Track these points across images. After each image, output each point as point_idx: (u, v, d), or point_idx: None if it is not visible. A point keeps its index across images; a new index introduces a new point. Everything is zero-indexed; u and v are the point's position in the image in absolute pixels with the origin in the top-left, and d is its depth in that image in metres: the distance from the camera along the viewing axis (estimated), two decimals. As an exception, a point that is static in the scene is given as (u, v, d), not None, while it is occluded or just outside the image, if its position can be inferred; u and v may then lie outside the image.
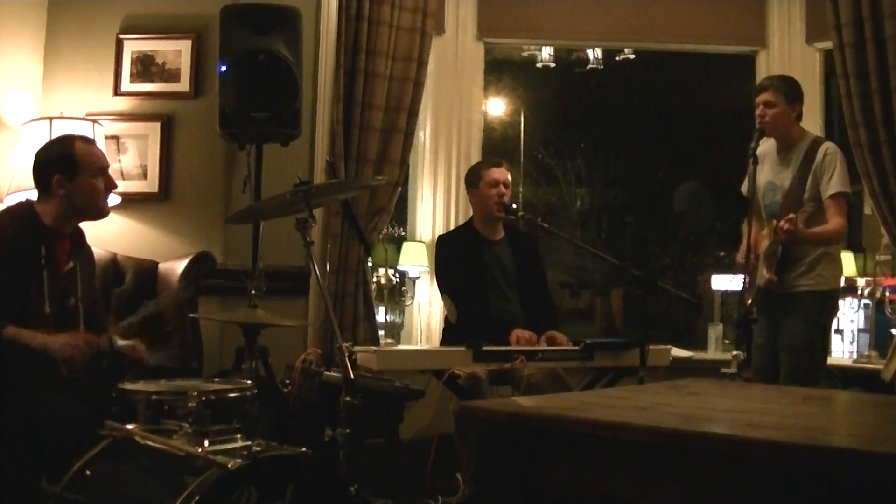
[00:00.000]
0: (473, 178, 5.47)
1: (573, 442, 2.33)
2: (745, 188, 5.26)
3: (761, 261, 5.08)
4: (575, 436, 2.33)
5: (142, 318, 4.11)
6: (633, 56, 8.59)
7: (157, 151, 5.83)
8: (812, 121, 5.35)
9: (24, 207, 3.93)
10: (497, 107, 11.10)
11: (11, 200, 4.93)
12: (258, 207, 4.54)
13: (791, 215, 4.82)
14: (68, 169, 3.88)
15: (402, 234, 7.17)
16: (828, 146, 5.07)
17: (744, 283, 4.96)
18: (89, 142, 4.06)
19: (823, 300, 5.08)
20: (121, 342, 3.91)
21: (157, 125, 5.85)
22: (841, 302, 5.64)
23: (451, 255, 5.45)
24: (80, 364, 3.65)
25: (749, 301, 5.02)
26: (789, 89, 5.11)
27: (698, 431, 2.27)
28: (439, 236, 5.77)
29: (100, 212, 4.03)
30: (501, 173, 5.40)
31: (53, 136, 5.14)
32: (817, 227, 4.93)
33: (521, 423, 2.45)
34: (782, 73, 6.01)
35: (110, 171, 4.10)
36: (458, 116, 6.76)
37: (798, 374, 4.94)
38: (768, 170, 5.21)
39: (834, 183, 4.95)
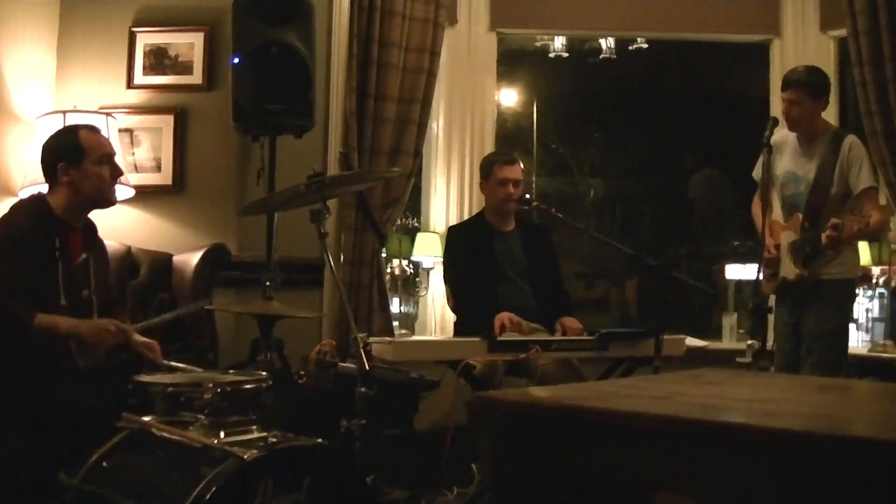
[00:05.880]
0: (486, 171, 5.45)
1: (590, 431, 2.33)
2: (756, 174, 5.25)
3: (786, 253, 5.07)
4: (592, 425, 2.32)
5: (162, 321, 4.14)
6: (646, 45, 8.52)
7: (171, 144, 5.85)
8: (827, 109, 5.33)
9: (36, 200, 3.94)
10: (510, 97, 11.05)
11: (25, 194, 4.94)
12: (272, 199, 4.55)
13: (835, 221, 4.76)
14: (73, 156, 3.88)
15: (416, 224, 7.16)
16: (852, 139, 5.07)
17: (758, 272, 4.94)
18: (94, 130, 4.06)
19: (847, 287, 5.11)
20: (139, 338, 3.92)
21: (171, 118, 5.87)
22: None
23: (460, 245, 5.45)
24: (107, 350, 3.68)
25: (767, 291, 5.02)
26: (814, 85, 5.06)
27: (716, 421, 2.27)
28: (450, 227, 5.77)
29: (106, 200, 4.01)
30: (511, 171, 5.37)
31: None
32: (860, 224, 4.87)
33: (538, 412, 2.45)
34: (796, 61, 5.99)
35: (124, 163, 4.11)
36: (471, 107, 6.74)
37: (825, 361, 4.93)
38: (788, 160, 5.20)
39: (864, 177, 4.97)
